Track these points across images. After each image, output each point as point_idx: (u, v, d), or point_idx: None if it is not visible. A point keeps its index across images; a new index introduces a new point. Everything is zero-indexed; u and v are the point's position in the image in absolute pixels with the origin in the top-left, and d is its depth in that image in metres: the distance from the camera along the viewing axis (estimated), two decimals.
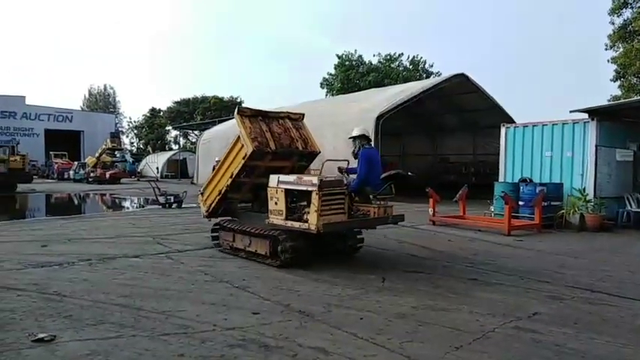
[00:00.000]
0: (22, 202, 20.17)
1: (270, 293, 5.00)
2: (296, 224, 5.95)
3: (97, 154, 33.75)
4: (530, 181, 11.17)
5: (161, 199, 15.12)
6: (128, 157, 40.86)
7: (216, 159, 6.38)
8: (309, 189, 5.78)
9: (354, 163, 6.96)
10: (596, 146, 10.46)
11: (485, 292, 5.19)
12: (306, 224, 5.80)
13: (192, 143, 48.16)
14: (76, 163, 36.61)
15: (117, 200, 20.70)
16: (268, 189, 6.33)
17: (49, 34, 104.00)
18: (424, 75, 41.02)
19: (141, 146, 60.82)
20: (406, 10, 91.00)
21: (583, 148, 10.70)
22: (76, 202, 21.25)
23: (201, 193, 7.75)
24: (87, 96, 69.43)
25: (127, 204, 19.35)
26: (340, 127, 19.20)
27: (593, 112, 10.57)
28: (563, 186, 10.91)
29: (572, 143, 10.97)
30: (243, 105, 53.53)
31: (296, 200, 6.20)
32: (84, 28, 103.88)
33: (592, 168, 10.50)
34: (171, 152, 45.13)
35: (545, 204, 10.25)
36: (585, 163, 10.64)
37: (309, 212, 5.80)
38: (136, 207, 17.78)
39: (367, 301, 4.75)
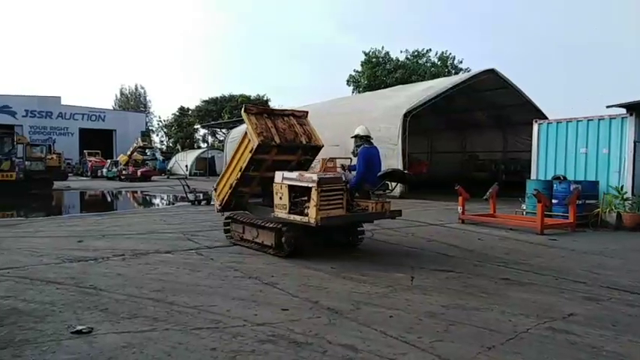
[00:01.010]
0: (59, 199, 20.88)
1: (299, 290, 5.02)
2: (298, 218, 6.32)
3: (128, 153, 34.67)
4: (564, 178, 10.85)
5: (190, 197, 15.39)
6: (158, 156, 41.81)
7: (284, 173, 6.75)
8: (309, 185, 6.15)
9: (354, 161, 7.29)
10: (635, 142, 10.08)
11: (518, 292, 5.08)
12: (307, 218, 6.17)
13: (220, 141, 48.82)
14: (108, 161, 37.65)
15: (148, 197, 21.20)
16: (274, 184, 6.71)
17: (83, 36, 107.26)
18: (453, 71, 40.33)
19: (170, 144, 62.03)
20: (436, 5, 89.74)
21: (620, 145, 10.33)
22: (109, 199, 21.87)
23: (215, 189, 8.18)
24: (118, 96, 71.27)
25: (157, 201, 19.78)
26: (367, 124, 19.06)
27: (631, 107, 10.19)
28: (599, 184, 10.55)
29: (608, 139, 10.60)
30: (270, 103, 54.09)
31: (299, 195, 6.52)
32: (115, 28, 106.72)
33: (630, 165, 10.13)
34: (200, 150, 45.88)
35: (580, 202, 9.94)
36: (623, 160, 10.27)
37: (309, 207, 6.15)
38: (166, 204, 18.16)
39: (396, 300, 4.72)
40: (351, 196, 6.68)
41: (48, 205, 18.65)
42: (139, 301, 4.54)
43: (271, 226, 6.74)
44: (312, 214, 6.08)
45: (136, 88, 71.41)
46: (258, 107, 7.56)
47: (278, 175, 6.68)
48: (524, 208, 11.20)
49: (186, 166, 39.92)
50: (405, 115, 17.47)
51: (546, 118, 15.85)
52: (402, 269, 6.03)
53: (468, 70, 38.79)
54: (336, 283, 5.35)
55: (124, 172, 32.67)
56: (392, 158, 17.36)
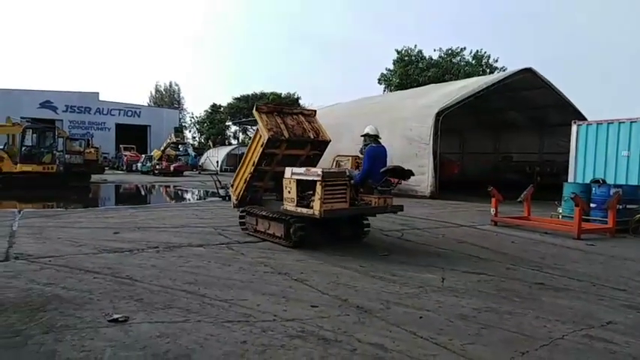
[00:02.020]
0: (95, 192, 21.61)
1: (328, 287, 5.03)
2: (304, 210, 6.76)
3: (162, 148, 35.51)
4: (604, 182, 10.46)
5: (221, 192, 15.64)
6: (190, 151, 42.67)
7: (292, 169, 7.41)
8: (314, 179, 6.57)
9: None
10: None
11: (553, 298, 4.93)
12: (312, 210, 6.60)
13: (251, 138, 49.40)
14: (143, 155, 38.71)
15: (180, 192, 21.66)
16: (283, 179, 7.17)
17: (121, 34, 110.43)
18: (488, 70, 39.50)
19: (202, 141, 63.25)
20: (471, 2, 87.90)
21: None
22: (143, 192, 22.47)
23: (231, 185, 8.73)
24: (153, 92, 73.16)
25: (189, 196, 20.19)
26: (398, 123, 18.94)
27: None
28: None
29: None
30: (300, 101, 54.30)
31: (306, 189, 6.95)
32: (151, 26, 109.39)
33: None
34: (231, 147, 46.56)
35: (620, 207, 9.55)
36: None
37: (314, 200, 6.58)
38: (198, 199, 18.51)
39: (426, 301, 4.66)
40: (355, 191, 7.08)
41: (86, 197, 19.33)
42: (172, 292, 4.65)
43: (281, 218, 7.21)
44: (316, 207, 6.52)
45: (170, 85, 73.16)
46: (269, 106, 8.15)
47: (287, 171, 7.14)
48: (561, 211, 10.86)
49: (217, 162, 40.60)
50: (438, 115, 17.21)
51: (585, 119, 15.34)
52: (432, 270, 5.95)
53: (503, 69, 37.93)
54: (366, 281, 5.33)
55: (157, 166, 33.53)
56: (423, 158, 17.16)
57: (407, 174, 7.44)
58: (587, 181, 11.01)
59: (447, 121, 17.84)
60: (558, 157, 20.23)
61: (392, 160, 18.79)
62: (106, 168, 35.29)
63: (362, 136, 7.82)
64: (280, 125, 7.60)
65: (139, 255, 6.42)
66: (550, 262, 6.75)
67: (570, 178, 11.71)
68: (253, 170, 7.81)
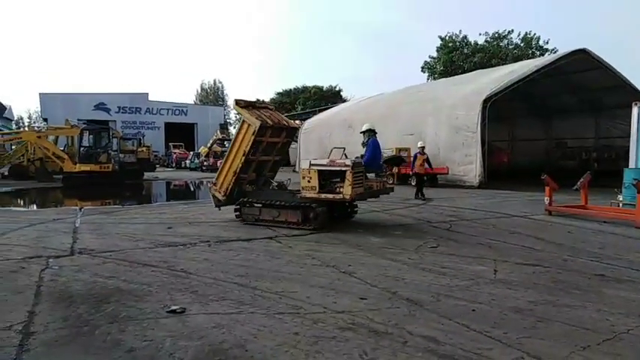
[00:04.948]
0: (148, 188, 22.53)
1: (376, 280, 5.01)
2: (330, 196, 7.70)
3: (208, 145, 36.49)
4: None
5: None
6: None
7: (311, 160, 7.98)
8: (343, 169, 7.58)
9: (356, 153, 9.15)
10: None
11: (616, 290, 4.69)
12: (340, 195, 7.59)
13: None
14: (191, 153, 39.89)
15: None
16: (300, 170, 8.10)
17: (168, 35, 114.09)
18: (538, 53, 37.78)
19: None
20: None
21: None
22: (192, 188, 23.21)
23: (214, 183, 9.22)
24: (199, 90, 75.15)
25: None
26: (444, 111, 18.53)
27: None
28: None
29: None
30: (342, 94, 54.22)
31: (326, 178, 7.84)
32: (196, 26, 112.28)
33: None
34: None
35: None
36: None
37: (342, 186, 7.58)
38: None
39: (478, 293, 4.55)
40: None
41: (139, 194, 20.21)
42: (225, 285, 4.80)
43: (297, 205, 7.99)
44: (347, 192, 7.50)
45: (215, 83, 74.86)
46: (246, 101, 9.05)
47: (304, 162, 8.09)
48: (621, 199, 10.27)
49: None
50: (485, 102, 16.68)
51: None
52: (483, 262, 5.80)
53: (554, 51, 36.18)
54: (415, 274, 5.28)
55: (205, 163, 34.49)
56: (471, 147, 16.72)
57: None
58: None
59: (495, 107, 17.29)
60: (617, 142, 19.15)
61: (439, 149, 18.48)
62: (157, 165, 36.71)
63: (362, 132, 9.23)
64: (261, 115, 8.50)
65: (192, 249, 6.65)
66: (611, 252, 6.42)
67: (631, 164, 11.01)
68: (244, 160, 8.49)
